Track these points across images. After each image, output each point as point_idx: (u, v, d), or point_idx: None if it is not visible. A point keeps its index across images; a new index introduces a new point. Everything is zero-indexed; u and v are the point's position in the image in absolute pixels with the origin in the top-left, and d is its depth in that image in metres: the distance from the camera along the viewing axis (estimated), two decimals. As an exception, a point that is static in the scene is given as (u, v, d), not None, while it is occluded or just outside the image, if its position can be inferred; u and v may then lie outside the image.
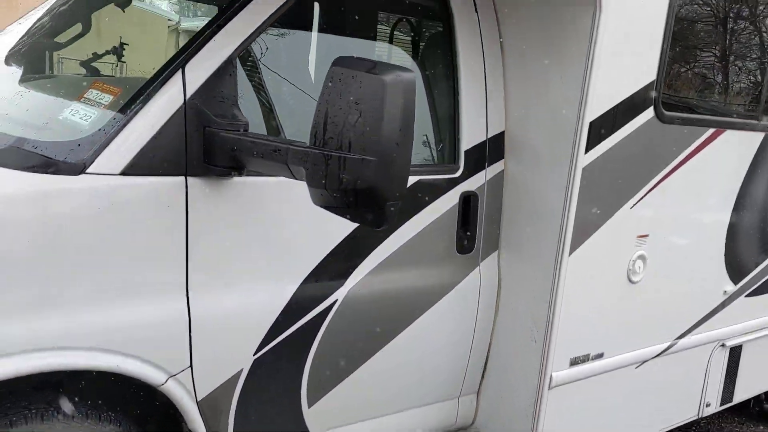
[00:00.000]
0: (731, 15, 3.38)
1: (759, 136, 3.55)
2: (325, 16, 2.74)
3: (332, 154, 1.88)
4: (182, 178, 2.15)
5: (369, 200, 1.90)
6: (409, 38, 3.35)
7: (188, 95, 2.15)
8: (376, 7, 3.12)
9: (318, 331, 2.51)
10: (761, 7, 3.49)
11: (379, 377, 2.75)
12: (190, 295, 2.20)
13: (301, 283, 2.44)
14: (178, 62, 2.17)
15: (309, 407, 2.58)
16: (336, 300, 2.53)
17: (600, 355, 3.10)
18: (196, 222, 2.17)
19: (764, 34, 3.52)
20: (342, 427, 2.75)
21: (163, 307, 2.17)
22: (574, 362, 2.99)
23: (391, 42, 3.25)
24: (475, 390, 3.14)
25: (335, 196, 1.93)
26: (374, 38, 3.19)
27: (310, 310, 2.47)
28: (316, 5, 2.66)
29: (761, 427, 4.63)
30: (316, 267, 2.47)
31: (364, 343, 2.69)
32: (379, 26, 3.19)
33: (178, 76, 2.16)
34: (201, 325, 2.22)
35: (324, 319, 2.51)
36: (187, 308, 2.20)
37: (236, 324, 2.32)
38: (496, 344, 3.07)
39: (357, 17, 3.03)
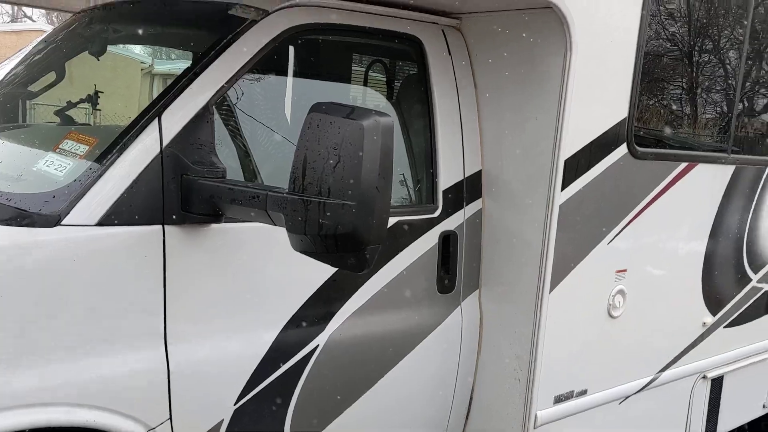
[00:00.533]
0: (698, 50, 3.48)
1: (730, 169, 3.62)
2: (302, 60, 2.77)
3: (312, 200, 1.88)
4: (159, 226, 2.13)
5: (350, 245, 1.90)
6: (385, 80, 3.39)
7: (165, 143, 2.15)
8: (351, 51, 3.16)
9: (300, 378, 2.47)
10: (726, 41, 3.59)
11: (363, 422, 2.71)
12: (168, 345, 2.17)
13: (282, 330, 2.41)
14: (154, 111, 2.17)
15: (292, 455, 2.53)
16: (317, 345, 2.50)
17: (584, 392, 3.09)
18: (174, 271, 2.15)
19: (729, 68, 3.62)
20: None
21: (141, 358, 2.12)
22: (558, 400, 2.98)
23: (366, 84, 3.28)
24: (460, 430, 3.10)
25: (315, 242, 1.92)
26: (350, 81, 3.22)
27: (291, 357, 2.43)
28: (292, 49, 2.68)
29: (745, 458, 4.63)
30: (297, 312, 2.45)
31: (347, 388, 2.65)
32: (355, 69, 3.23)
33: (154, 125, 2.15)
34: (180, 375, 2.18)
35: (305, 365, 2.48)
36: (165, 359, 2.16)
37: (216, 373, 2.28)
38: (479, 384, 3.05)
39: (332, 61, 3.07)
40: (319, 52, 2.82)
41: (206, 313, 2.25)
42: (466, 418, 3.09)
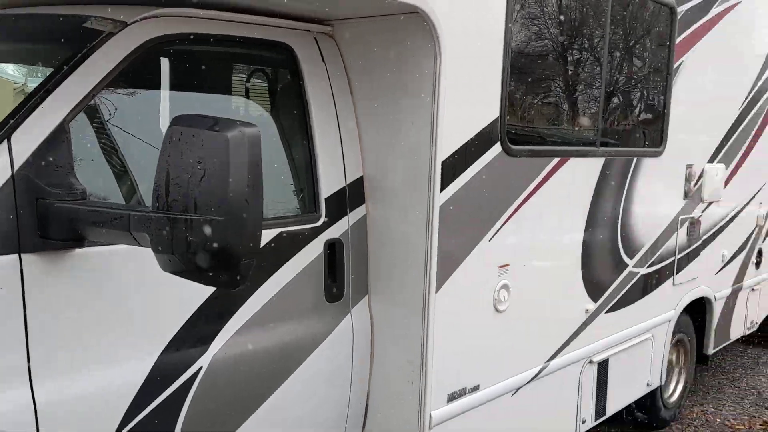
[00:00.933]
0: (563, 48, 3.63)
1: (600, 162, 3.80)
2: (172, 72, 2.67)
3: (177, 217, 1.81)
4: (16, 255, 1.98)
5: (221, 261, 1.83)
6: (261, 90, 3.33)
7: (17, 167, 2.00)
8: (223, 61, 3.08)
9: (183, 403, 2.37)
10: (590, 39, 3.77)
11: (255, 441, 2.64)
12: (33, 382, 2.01)
13: (160, 355, 2.30)
14: (2, 132, 2.02)
15: (181, 483, 2.42)
16: (201, 367, 2.41)
17: (476, 388, 3.14)
18: (34, 301, 2.00)
19: (595, 64, 3.80)
20: (221, 499, 2.60)
21: (3, 398, 1.97)
22: (451, 398, 3.01)
23: (243, 95, 3.20)
24: (358, 439, 3.08)
25: (185, 261, 1.84)
26: (225, 92, 3.13)
27: (173, 382, 2.33)
28: (159, 61, 2.58)
29: (636, 435, 4.87)
30: (175, 336, 2.34)
31: (238, 407, 2.57)
32: (229, 79, 3.14)
33: (3, 147, 2.00)
34: (49, 412, 2.03)
35: (189, 389, 2.38)
36: (31, 396, 2.01)
37: (90, 406, 2.14)
38: (374, 390, 3.05)
39: (204, 71, 2.97)
40: (189, 63, 2.73)
41: (74, 344, 2.11)
42: (363, 425, 3.07)
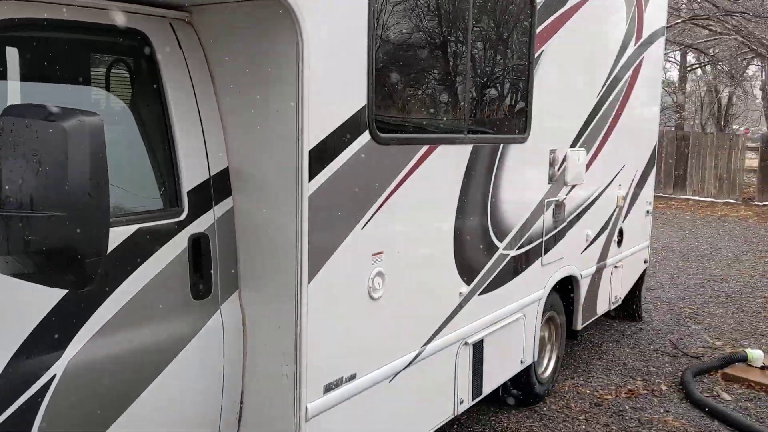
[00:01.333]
0: (429, 35, 3.68)
1: (468, 149, 3.89)
2: (20, 60, 2.47)
3: (12, 215, 1.67)
4: None
5: (64, 261, 1.72)
6: (120, 80, 3.15)
7: None
8: (74, 48, 2.88)
9: (36, 414, 2.21)
10: (454, 27, 3.84)
11: (121, 448, 2.51)
12: None
13: (6, 365, 2.12)
14: None
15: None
16: (54, 375, 2.25)
17: (353, 377, 3.14)
18: None
19: (460, 52, 3.88)
20: None
21: None
22: (328, 389, 3.00)
23: (107, 86, 3.01)
24: (234, 437, 3.00)
25: (24, 262, 1.71)
26: (78, 81, 2.93)
27: (22, 393, 2.16)
28: (10, 49, 2.39)
29: (513, 412, 5.06)
30: (24, 343, 2.17)
31: (99, 414, 2.43)
32: (87, 68, 2.94)
33: None
34: None
35: (42, 399, 2.22)
36: None
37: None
38: (248, 386, 2.98)
39: (55, 60, 2.77)
40: (39, 50, 2.53)
41: None
42: (239, 423, 2.99)
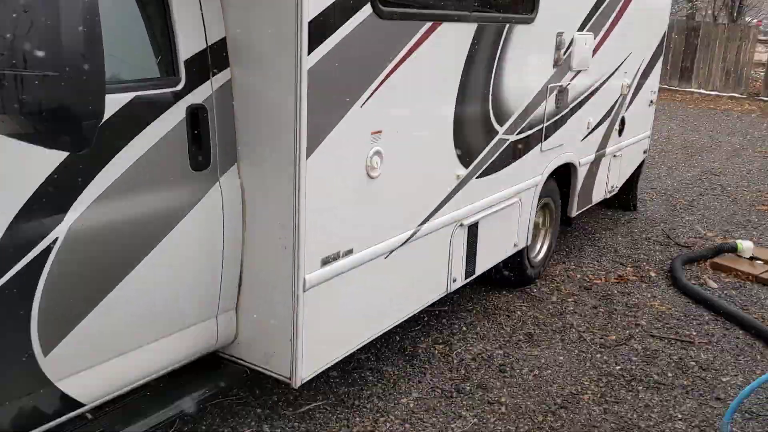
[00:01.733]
0: None
1: (472, 27, 3.78)
2: None
3: (6, 73, 1.64)
4: None
5: (60, 121, 1.70)
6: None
7: None
8: None
9: (39, 276, 2.27)
10: None
11: (123, 311, 2.60)
12: None
13: (7, 227, 2.16)
14: None
15: (45, 356, 2.37)
16: (56, 237, 2.30)
17: (350, 252, 3.21)
18: None
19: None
20: (91, 368, 2.58)
21: None
22: (325, 262, 3.07)
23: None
24: (233, 306, 3.11)
25: (20, 122, 1.70)
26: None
27: (24, 255, 2.21)
28: None
29: (504, 293, 5.21)
30: (25, 205, 2.20)
31: (100, 278, 2.50)
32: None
33: None
34: None
35: (45, 262, 2.27)
36: None
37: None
38: (248, 257, 3.05)
39: None
40: None
41: None
42: (238, 292, 3.09)
